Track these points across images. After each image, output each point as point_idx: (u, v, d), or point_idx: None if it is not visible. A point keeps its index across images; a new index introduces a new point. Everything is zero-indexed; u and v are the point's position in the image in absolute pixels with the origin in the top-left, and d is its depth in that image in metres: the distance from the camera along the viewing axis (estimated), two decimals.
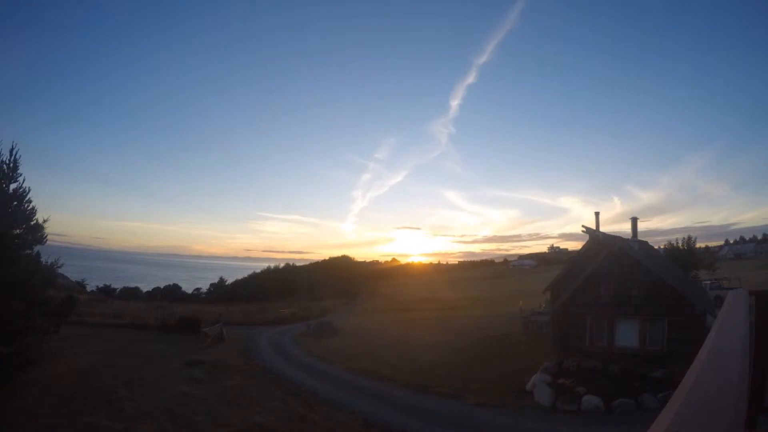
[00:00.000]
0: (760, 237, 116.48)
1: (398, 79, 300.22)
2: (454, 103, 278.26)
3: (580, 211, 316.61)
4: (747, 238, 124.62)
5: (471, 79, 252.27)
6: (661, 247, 38.21)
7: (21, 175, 16.06)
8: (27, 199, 16.12)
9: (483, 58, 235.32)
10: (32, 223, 16.22)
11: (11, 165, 15.83)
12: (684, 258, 33.68)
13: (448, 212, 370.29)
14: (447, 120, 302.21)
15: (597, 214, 24.88)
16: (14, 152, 15.98)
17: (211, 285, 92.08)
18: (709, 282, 31.55)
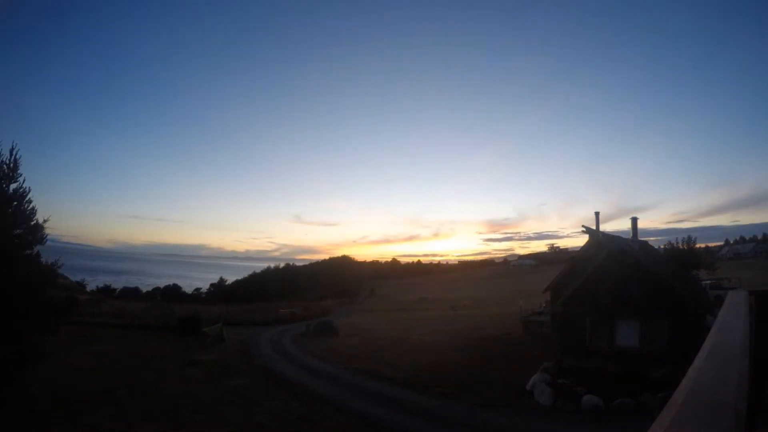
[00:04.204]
0: (760, 237, 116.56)
1: None
2: None
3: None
4: (747, 238, 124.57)
5: None
6: (661, 247, 38.23)
7: (21, 175, 15.99)
8: (27, 199, 16.07)
9: None
10: (32, 223, 16.18)
11: (11, 165, 15.77)
12: (684, 258, 33.65)
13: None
14: None
15: (597, 213, 24.89)
16: (14, 152, 15.91)
17: (211, 285, 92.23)
18: (709, 282, 31.51)
